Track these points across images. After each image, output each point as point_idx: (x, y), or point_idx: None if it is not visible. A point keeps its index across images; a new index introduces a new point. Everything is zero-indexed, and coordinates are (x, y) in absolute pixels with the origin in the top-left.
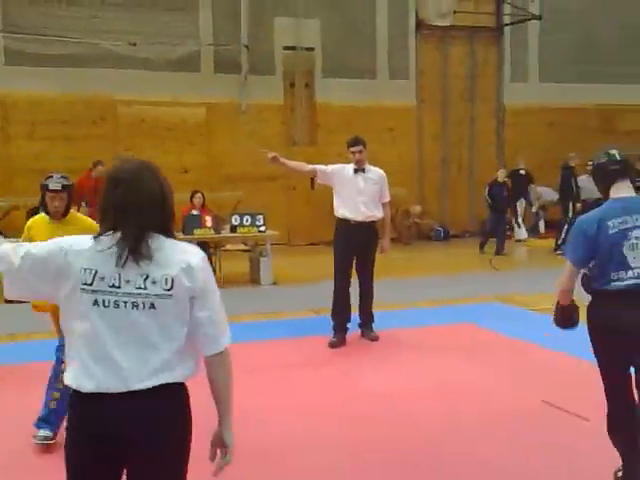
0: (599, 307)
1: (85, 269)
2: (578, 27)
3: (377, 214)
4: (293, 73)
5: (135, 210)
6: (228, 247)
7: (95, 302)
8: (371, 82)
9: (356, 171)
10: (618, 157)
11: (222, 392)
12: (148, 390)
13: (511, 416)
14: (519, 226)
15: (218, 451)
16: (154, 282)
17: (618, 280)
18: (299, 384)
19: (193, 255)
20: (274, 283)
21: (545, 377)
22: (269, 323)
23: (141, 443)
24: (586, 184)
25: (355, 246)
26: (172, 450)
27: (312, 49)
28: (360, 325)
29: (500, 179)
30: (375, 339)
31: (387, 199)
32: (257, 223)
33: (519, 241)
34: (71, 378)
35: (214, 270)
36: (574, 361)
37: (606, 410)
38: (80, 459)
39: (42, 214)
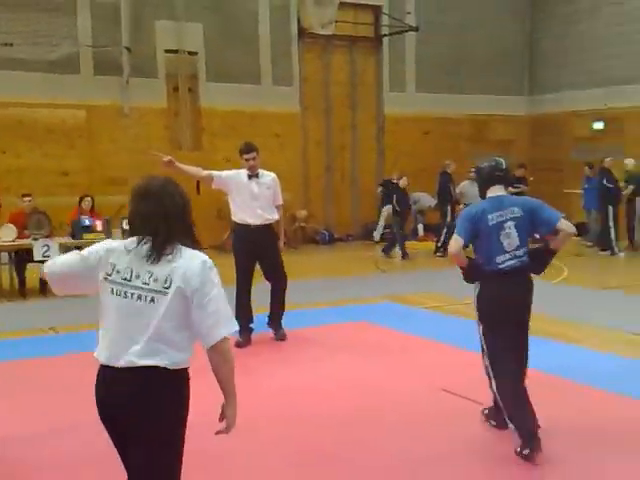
0: (489, 283)
1: (110, 263)
2: (452, 40)
3: (273, 217)
4: (176, 77)
5: (158, 220)
6: None
7: (112, 291)
8: (255, 87)
9: (250, 177)
10: (503, 165)
11: (223, 379)
12: (139, 368)
13: (413, 405)
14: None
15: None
16: (156, 280)
17: (500, 263)
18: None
19: (194, 260)
20: None
21: (441, 368)
22: None
23: (130, 416)
24: (468, 189)
25: (256, 249)
26: (150, 427)
27: (195, 53)
28: (269, 325)
29: (402, 185)
30: (283, 338)
31: (280, 202)
32: None
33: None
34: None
35: None
36: (466, 354)
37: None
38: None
39: None
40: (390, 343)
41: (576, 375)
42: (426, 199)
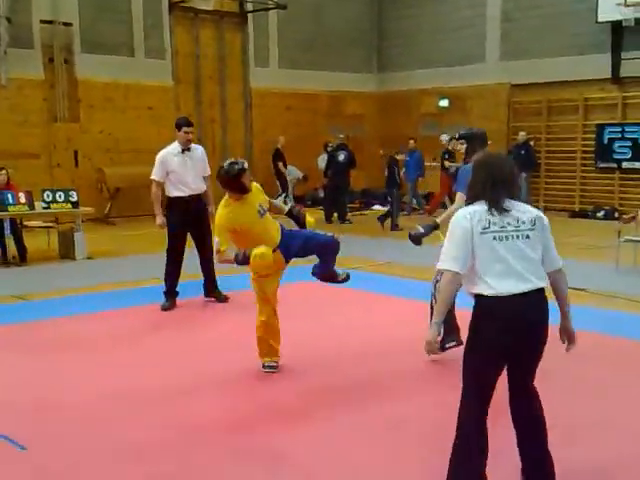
0: None
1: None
2: (311, 18)
3: (203, 187)
4: (52, 48)
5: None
6: (29, 224)
7: (494, 238)
8: (129, 60)
9: (183, 150)
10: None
11: (561, 297)
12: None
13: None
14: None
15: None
16: (524, 222)
17: None
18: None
19: (535, 210)
20: (89, 257)
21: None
22: (92, 296)
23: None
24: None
25: (188, 219)
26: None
27: (70, 24)
28: (206, 288)
29: (398, 157)
30: (225, 300)
31: (209, 173)
32: (71, 199)
33: None
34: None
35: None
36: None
37: None
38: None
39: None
40: (340, 298)
41: None
42: (294, 172)
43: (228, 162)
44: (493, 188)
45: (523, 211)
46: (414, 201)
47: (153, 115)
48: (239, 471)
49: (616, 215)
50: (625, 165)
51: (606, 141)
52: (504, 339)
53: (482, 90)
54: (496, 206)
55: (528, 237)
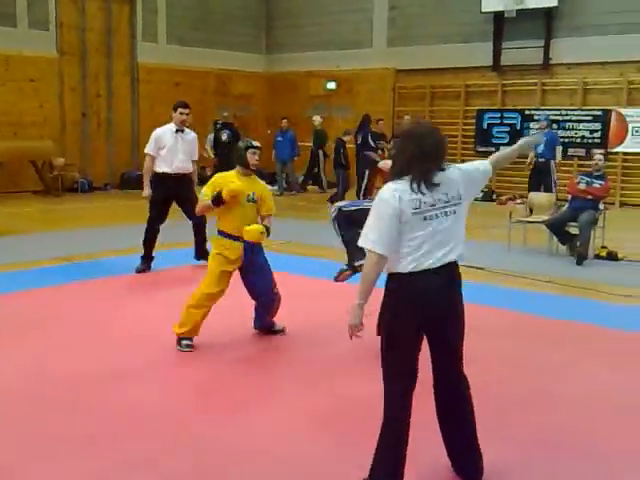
0: None
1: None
2: None
3: (190, 168)
4: None
5: (434, 156)
6: None
7: (424, 218)
8: (11, 30)
9: (177, 131)
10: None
11: None
12: None
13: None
14: None
15: None
16: (453, 197)
17: None
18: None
19: (457, 177)
20: None
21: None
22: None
23: None
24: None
25: (173, 194)
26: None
27: None
28: (197, 252)
29: (345, 138)
30: None
31: (197, 157)
32: None
33: None
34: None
35: None
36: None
37: None
38: None
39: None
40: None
41: None
42: None
43: (246, 139)
44: (422, 162)
45: (450, 182)
46: (284, 182)
47: (36, 88)
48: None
49: (493, 197)
50: (503, 149)
51: (486, 126)
52: (423, 314)
53: (369, 74)
54: (426, 182)
55: (455, 212)
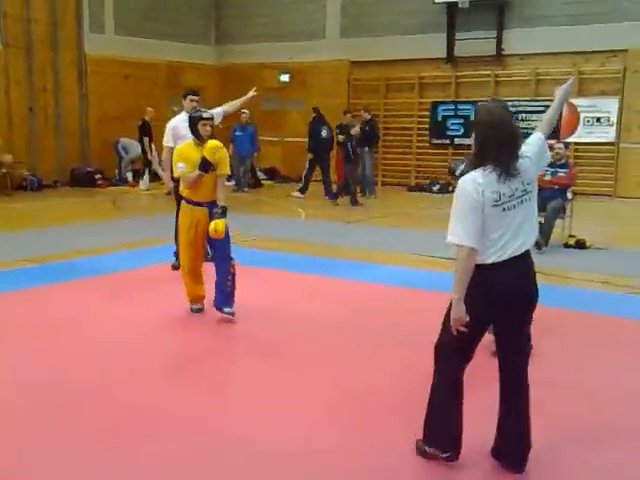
0: None
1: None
2: None
3: None
4: None
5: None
6: None
7: (504, 209)
8: None
9: None
10: None
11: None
12: None
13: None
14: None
15: None
16: (528, 183)
17: None
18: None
19: (527, 163)
20: None
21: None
22: None
23: None
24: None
25: None
26: None
27: None
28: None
29: (353, 132)
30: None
31: None
32: None
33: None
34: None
35: None
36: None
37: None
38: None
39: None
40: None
41: (400, 283)
42: (135, 148)
43: (197, 110)
44: (504, 151)
45: (525, 170)
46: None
47: None
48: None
49: (450, 189)
50: (457, 141)
51: (440, 118)
52: (502, 304)
53: (322, 66)
54: (507, 172)
55: (530, 199)
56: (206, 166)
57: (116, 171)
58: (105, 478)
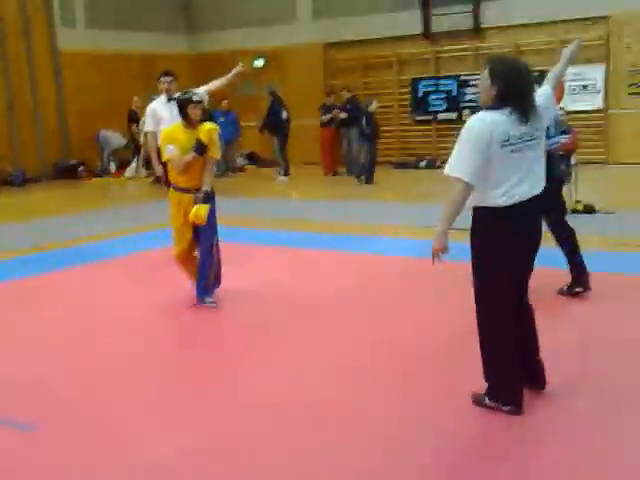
0: None
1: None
2: None
3: None
4: None
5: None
6: None
7: (512, 150)
8: None
9: (169, 100)
10: None
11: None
12: None
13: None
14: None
15: None
16: (537, 129)
17: None
18: None
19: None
20: None
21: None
22: None
23: None
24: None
25: None
26: None
27: None
28: None
29: (371, 109)
30: None
31: None
32: None
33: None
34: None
35: None
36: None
37: None
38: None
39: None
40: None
41: (408, 253)
42: (116, 138)
43: (185, 91)
44: (523, 96)
45: (536, 117)
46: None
47: None
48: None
49: (437, 164)
50: (441, 116)
51: (421, 94)
52: (520, 242)
53: (297, 49)
54: (525, 115)
55: (538, 145)
56: (202, 149)
57: (98, 162)
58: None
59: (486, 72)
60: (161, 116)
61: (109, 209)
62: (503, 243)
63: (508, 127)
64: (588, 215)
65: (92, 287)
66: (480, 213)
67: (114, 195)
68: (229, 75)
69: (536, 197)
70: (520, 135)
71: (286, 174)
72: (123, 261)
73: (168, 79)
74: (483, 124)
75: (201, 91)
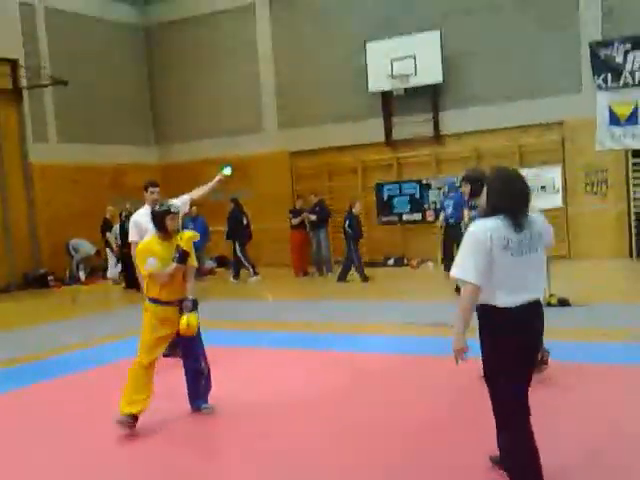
0: None
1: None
2: (86, 94)
3: None
4: None
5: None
6: None
7: (512, 254)
8: None
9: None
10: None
11: None
12: None
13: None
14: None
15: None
16: (536, 236)
17: None
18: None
19: (540, 219)
20: None
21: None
22: None
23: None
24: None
25: None
26: None
27: None
28: None
29: (355, 211)
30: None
31: None
32: None
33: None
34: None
35: None
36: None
37: None
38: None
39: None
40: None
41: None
42: (86, 247)
43: (162, 203)
44: (514, 203)
45: (534, 223)
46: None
47: None
48: None
49: (405, 262)
50: (405, 218)
51: (386, 198)
52: (519, 345)
53: (264, 158)
54: (517, 223)
55: (537, 250)
56: (185, 258)
57: (67, 271)
58: None
59: (485, 187)
60: (146, 227)
61: (81, 318)
62: (501, 342)
63: (505, 232)
64: (562, 308)
65: (65, 404)
66: (480, 311)
67: (85, 302)
68: (211, 183)
69: (535, 301)
70: (519, 240)
71: (255, 273)
72: (100, 371)
73: (156, 190)
74: (483, 229)
75: (184, 199)
